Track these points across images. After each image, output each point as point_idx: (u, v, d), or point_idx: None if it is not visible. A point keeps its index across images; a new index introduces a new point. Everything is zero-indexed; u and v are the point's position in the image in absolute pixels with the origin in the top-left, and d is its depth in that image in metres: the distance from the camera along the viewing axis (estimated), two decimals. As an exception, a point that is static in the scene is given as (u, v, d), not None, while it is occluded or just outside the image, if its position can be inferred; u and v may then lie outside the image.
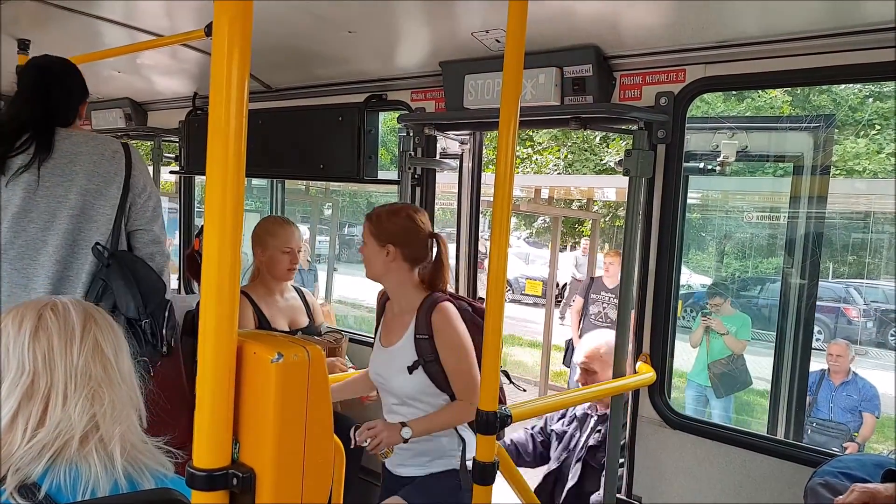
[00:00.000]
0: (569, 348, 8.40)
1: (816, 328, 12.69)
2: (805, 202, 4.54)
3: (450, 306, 2.66)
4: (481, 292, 3.83)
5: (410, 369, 2.63)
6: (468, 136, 3.63)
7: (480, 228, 3.91)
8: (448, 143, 3.63)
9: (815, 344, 12.19)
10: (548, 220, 17.81)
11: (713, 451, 2.72)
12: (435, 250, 2.74)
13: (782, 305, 4.85)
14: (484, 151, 3.79)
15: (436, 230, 2.85)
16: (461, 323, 2.65)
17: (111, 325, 1.46)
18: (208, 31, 2.83)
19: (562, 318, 12.84)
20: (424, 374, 2.63)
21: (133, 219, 2.69)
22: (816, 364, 6.73)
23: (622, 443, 2.86)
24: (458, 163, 3.70)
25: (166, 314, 2.65)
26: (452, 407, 2.65)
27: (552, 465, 3.37)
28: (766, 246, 12.36)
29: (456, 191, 3.80)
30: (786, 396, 4.44)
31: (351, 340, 3.93)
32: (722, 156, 4.19)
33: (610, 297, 7.80)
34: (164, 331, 2.61)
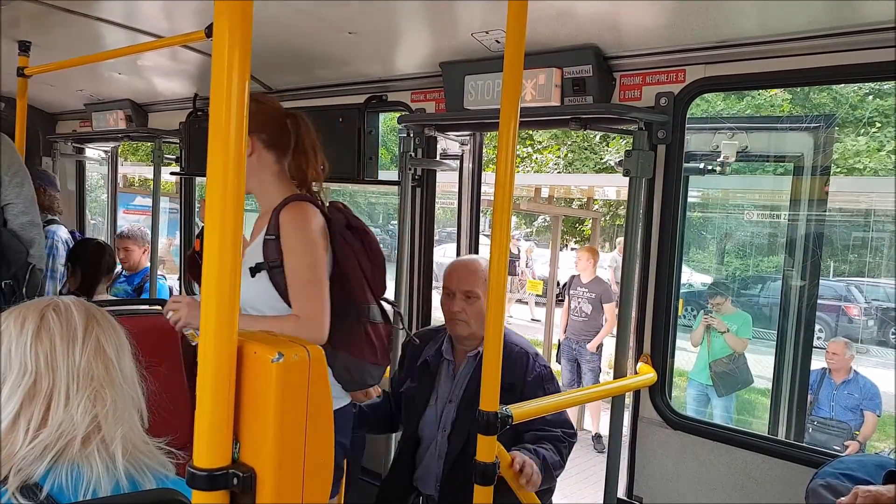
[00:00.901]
0: (560, 347, 8.47)
1: (818, 327, 12.68)
2: (805, 202, 4.55)
3: (306, 206, 2.29)
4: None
5: (253, 272, 2.26)
6: (468, 137, 3.63)
7: (481, 228, 3.92)
8: (448, 143, 3.63)
9: (815, 342, 12.20)
10: (548, 219, 17.81)
11: (714, 452, 2.72)
12: (294, 135, 2.38)
13: (783, 304, 4.84)
14: (484, 151, 3.79)
15: (437, 230, 2.83)
16: (314, 227, 2.27)
17: (113, 325, 1.46)
18: (209, 32, 2.83)
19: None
20: (269, 280, 2.27)
21: (3, 195, 3.03)
22: (818, 363, 6.74)
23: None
24: (457, 163, 3.71)
25: (27, 276, 3.02)
26: (285, 318, 2.24)
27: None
28: (766, 245, 12.37)
29: (456, 190, 3.81)
30: (787, 395, 4.45)
31: None
32: (722, 156, 4.19)
33: (584, 292, 7.96)
34: (23, 290, 2.96)
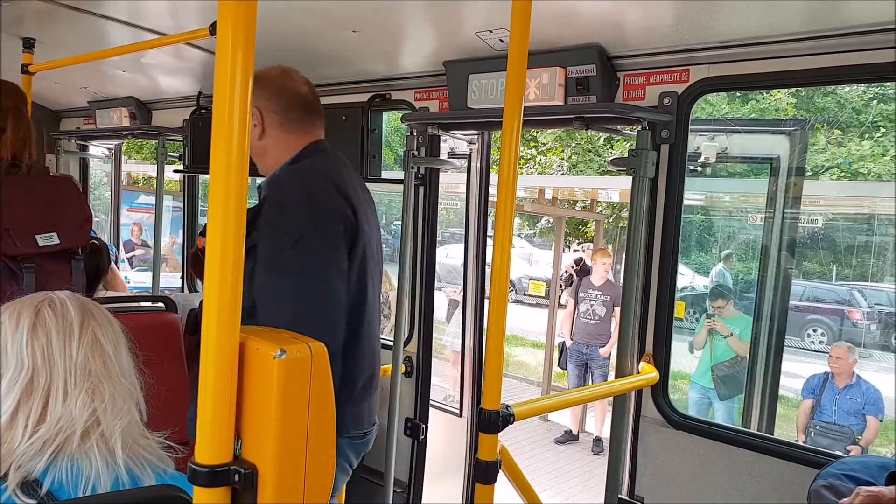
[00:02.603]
0: (563, 351, 8.46)
1: (820, 331, 12.68)
2: (780, 203, 4.59)
3: None
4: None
5: None
6: (476, 136, 3.62)
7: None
8: (456, 142, 3.63)
9: (818, 346, 12.20)
10: (551, 220, 17.80)
11: (716, 452, 2.72)
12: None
13: (757, 305, 4.94)
14: (492, 151, 3.79)
15: (440, 230, 2.82)
16: None
17: (109, 320, 1.46)
18: (213, 30, 2.84)
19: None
20: None
21: None
22: (820, 367, 6.74)
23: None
24: (461, 162, 3.71)
25: None
26: None
27: None
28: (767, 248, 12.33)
29: (458, 191, 3.81)
30: (759, 391, 4.53)
31: None
32: (703, 157, 4.21)
33: (597, 294, 8.00)
34: None
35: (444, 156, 3.63)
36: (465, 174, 3.76)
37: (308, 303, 2.04)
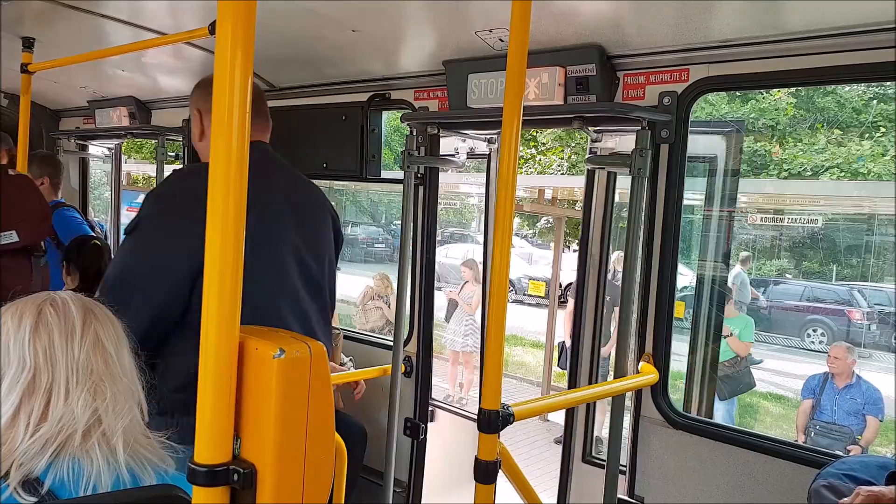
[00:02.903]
0: (563, 351, 8.45)
1: (820, 331, 12.68)
2: (717, 202, 4.69)
3: None
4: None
5: None
6: (496, 136, 3.62)
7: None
8: (475, 143, 3.63)
9: (817, 346, 12.19)
10: (551, 220, 17.79)
11: (716, 452, 2.72)
12: None
13: (697, 298, 5.06)
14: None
15: (439, 230, 2.81)
16: None
17: (111, 320, 1.46)
18: (212, 29, 2.84)
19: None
20: None
21: None
22: (820, 367, 6.75)
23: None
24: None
25: None
26: None
27: None
28: (768, 248, 12.34)
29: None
30: (699, 379, 4.65)
31: (346, 338, 3.95)
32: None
33: None
34: None
35: (463, 156, 3.63)
36: (484, 174, 3.77)
37: (116, 281, 2.22)
